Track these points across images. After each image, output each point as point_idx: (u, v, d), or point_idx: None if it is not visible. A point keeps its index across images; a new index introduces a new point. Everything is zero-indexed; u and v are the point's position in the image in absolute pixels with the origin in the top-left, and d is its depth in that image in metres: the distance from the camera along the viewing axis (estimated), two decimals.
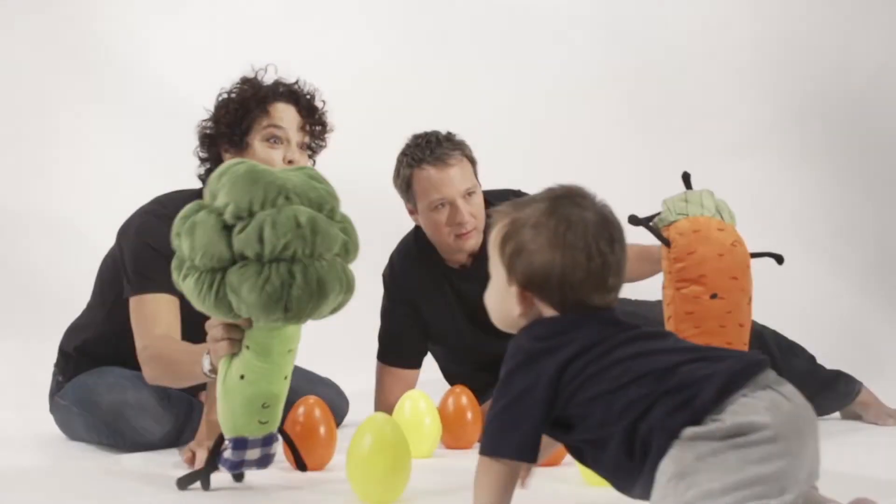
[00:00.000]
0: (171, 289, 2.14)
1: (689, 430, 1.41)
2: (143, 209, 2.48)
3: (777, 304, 2.55)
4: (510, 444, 1.49)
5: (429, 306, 2.76)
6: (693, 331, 2.31)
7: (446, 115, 4.57)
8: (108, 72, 4.22)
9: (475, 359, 2.75)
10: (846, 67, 4.70)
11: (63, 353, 2.67)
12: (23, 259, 3.92)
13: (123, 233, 2.46)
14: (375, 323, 2.82)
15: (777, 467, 1.39)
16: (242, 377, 1.86)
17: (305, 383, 2.77)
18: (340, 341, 3.32)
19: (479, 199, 2.70)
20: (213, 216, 1.80)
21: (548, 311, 1.54)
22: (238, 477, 2.04)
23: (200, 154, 2.51)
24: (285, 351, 1.88)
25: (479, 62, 4.65)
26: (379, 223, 3.89)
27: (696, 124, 4.64)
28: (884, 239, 4.58)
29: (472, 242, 2.69)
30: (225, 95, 2.47)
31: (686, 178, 2.43)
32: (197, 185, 2.51)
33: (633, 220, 2.32)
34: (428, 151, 2.66)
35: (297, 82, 2.51)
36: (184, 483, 1.99)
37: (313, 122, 2.50)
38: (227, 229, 1.79)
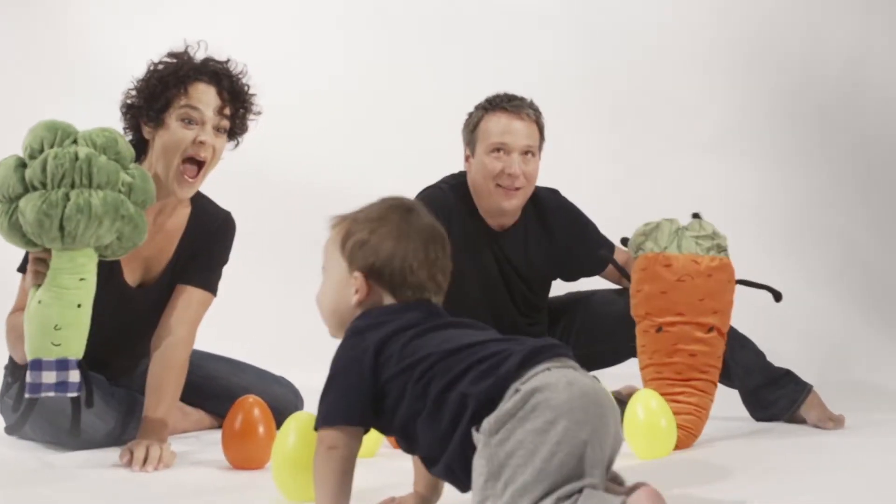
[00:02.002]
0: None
1: (487, 421, 1.46)
2: None
3: (736, 301, 2.54)
4: (343, 410, 1.57)
5: (467, 262, 2.71)
6: (647, 360, 2.51)
7: (425, 112, 4.61)
8: (80, 68, 4.21)
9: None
10: (816, 67, 4.69)
11: (13, 360, 2.61)
12: None
13: None
14: None
15: (577, 442, 1.43)
16: (40, 302, 2.09)
17: (258, 381, 2.78)
18: (296, 338, 3.32)
19: (535, 164, 2.78)
20: (12, 159, 2.11)
21: (387, 299, 1.66)
22: (76, 432, 2.20)
23: (123, 124, 2.50)
24: (76, 279, 2.10)
25: (456, 60, 4.64)
26: None
27: (669, 122, 4.64)
28: (848, 237, 4.57)
29: (515, 203, 2.76)
30: (152, 67, 2.46)
31: (695, 216, 2.59)
32: None
33: (624, 241, 2.59)
34: (506, 100, 2.78)
35: (227, 62, 2.49)
36: (13, 430, 2.26)
37: (235, 105, 2.48)
38: (24, 167, 2.09)
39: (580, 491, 1.40)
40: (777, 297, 2.61)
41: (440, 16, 4.72)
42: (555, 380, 1.46)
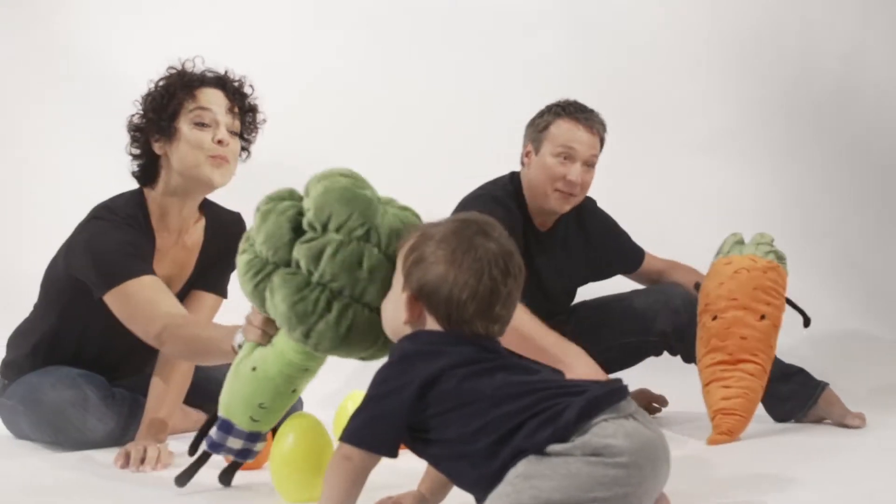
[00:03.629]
0: (148, 270, 2.31)
1: (553, 447, 1.46)
2: (94, 216, 2.45)
3: None
4: (371, 436, 1.54)
5: None
6: (703, 350, 2.67)
7: (419, 112, 4.61)
8: (63, 65, 4.19)
9: None
10: (811, 66, 4.69)
11: (8, 361, 2.65)
12: None
13: (77, 244, 2.42)
14: None
15: (624, 493, 1.45)
16: (254, 369, 1.87)
17: None
18: None
19: (592, 175, 2.88)
20: (292, 211, 1.76)
21: (433, 326, 1.60)
22: (227, 478, 2.01)
23: (132, 150, 2.48)
24: (302, 368, 1.85)
25: (448, 61, 4.64)
26: None
27: (662, 122, 4.64)
28: (844, 236, 4.58)
29: (567, 206, 2.86)
30: (152, 86, 2.45)
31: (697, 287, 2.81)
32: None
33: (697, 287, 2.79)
34: (580, 111, 2.87)
35: (225, 72, 2.49)
36: (183, 479, 1.97)
37: (242, 105, 2.47)
38: (298, 231, 1.75)
39: None
40: (806, 322, 2.78)
41: (435, 14, 4.71)
42: (612, 432, 1.46)
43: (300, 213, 1.76)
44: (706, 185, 4.50)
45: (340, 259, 1.68)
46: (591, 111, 2.89)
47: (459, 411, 1.51)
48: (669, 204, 4.39)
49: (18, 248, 3.06)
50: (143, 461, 2.19)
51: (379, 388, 1.55)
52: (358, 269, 1.69)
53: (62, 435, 2.42)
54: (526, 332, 2.24)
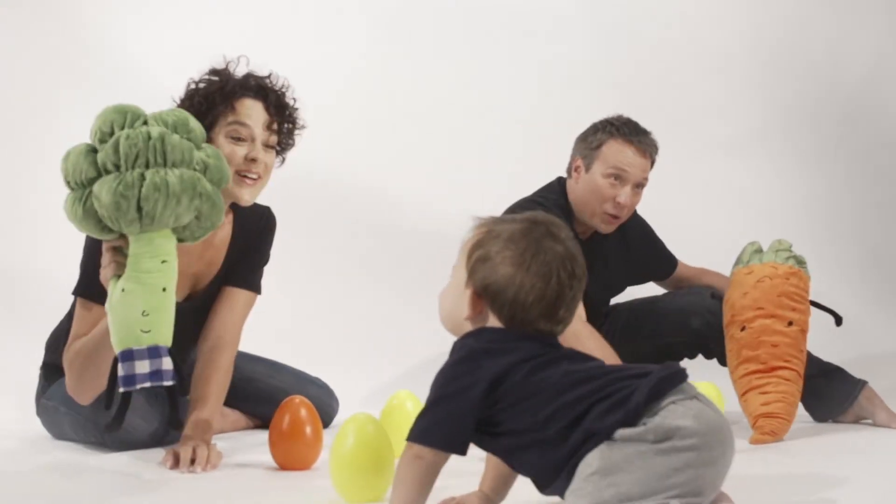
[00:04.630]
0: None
1: (622, 432, 1.48)
2: None
3: None
4: (442, 435, 1.53)
5: None
6: (734, 361, 2.68)
7: (438, 112, 4.60)
8: (86, 64, 4.18)
9: None
10: (838, 67, 4.69)
11: (47, 362, 2.63)
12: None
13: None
14: (366, 323, 2.82)
15: (697, 474, 1.47)
16: (123, 290, 2.02)
17: (295, 382, 2.79)
18: (333, 341, 3.32)
19: (640, 197, 2.89)
20: (82, 144, 2.06)
21: (494, 323, 1.60)
22: (175, 423, 2.13)
23: None
24: (158, 262, 2.03)
25: (469, 60, 4.62)
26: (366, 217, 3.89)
27: (686, 122, 4.62)
28: (870, 239, 4.58)
29: (611, 229, 2.88)
30: (193, 86, 2.43)
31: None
32: None
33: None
34: (634, 133, 2.85)
35: (269, 76, 2.46)
36: (113, 426, 2.05)
37: (281, 119, 2.46)
38: (95, 151, 2.03)
39: None
40: (838, 321, 2.80)
41: (454, 15, 4.70)
42: (682, 413, 1.48)
43: (90, 146, 2.04)
44: (732, 184, 4.49)
45: (132, 139, 1.99)
46: (645, 132, 2.87)
47: (528, 402, 1.52)
48: (691, 205, 4.38)
49: (56, 249, 3.07)
50: (192, 462, 2.17)
51: (447, 388, 1.55)
52: (149, 140, 1.99)
53: (106, 435, 2.39)
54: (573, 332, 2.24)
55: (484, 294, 1.59)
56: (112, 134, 2.02)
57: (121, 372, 1.99)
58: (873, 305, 4.30)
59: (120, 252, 2.07)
